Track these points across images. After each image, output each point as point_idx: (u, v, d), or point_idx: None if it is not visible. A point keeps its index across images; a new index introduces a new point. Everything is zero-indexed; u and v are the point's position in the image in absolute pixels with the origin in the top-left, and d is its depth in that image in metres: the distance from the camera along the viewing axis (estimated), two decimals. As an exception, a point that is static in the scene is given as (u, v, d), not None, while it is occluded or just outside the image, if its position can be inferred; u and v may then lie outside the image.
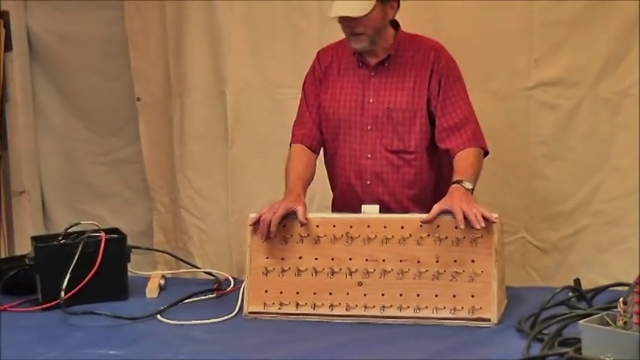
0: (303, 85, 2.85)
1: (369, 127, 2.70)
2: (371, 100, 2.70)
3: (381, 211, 2.48)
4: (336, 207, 2.83)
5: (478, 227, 2.26)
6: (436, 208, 2.34)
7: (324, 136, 2.79)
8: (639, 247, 3.28)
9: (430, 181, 2.74)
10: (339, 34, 2.75)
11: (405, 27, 2.75)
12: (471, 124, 2.66)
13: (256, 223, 2.43)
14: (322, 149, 2.83)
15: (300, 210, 2.43)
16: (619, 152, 3.34)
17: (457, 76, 2.71)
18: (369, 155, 2.71)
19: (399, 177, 2.71)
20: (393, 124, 2.68)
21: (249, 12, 3.73)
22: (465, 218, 2.27)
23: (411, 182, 2.72)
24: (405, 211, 2.63)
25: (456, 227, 2.29)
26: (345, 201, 2.76)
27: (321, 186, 2.92)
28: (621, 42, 3.27)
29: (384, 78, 2.70)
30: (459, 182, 2.45)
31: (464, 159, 2.59)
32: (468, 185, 2.44)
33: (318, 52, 2.85)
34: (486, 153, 2.70)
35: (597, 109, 3.34)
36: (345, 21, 2.61)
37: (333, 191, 2.87)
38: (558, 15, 3.31)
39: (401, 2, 2.70)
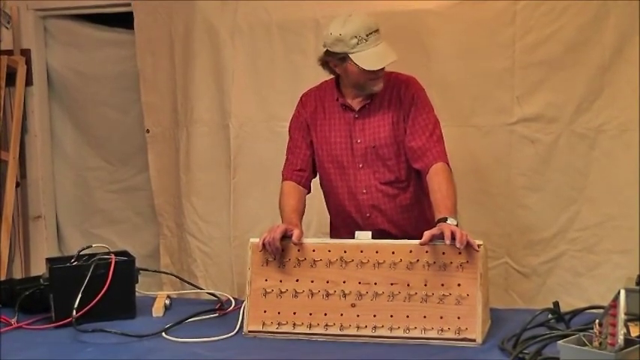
0: (289, 129, 2.80)
1: (360, 165, 2.68)
2: (358, 141, 2.67)
3: (381, 237, 2.45)
4: (336, 231, 2.81)
5: (459, 246, 2.25)
6: (428, 232, 2.31)
7: (320, 175, 2.77)
8: (612, 272, 3.29)
9: (428, 203, 2.66)
10: (333, 71, 2.75)
11: (401, 68, 2.73)
12: (439, 143, 2.62)
13: (263, 248, 2.42)
14: (320, 183, 2.80)
15: (296, 232, 2.42)
16: (594, 184, 3.35)
17: (424, 102, 2.66)
18: (364, 191, 2.69)
19: (396, 204, 2.70)
20: (381, 159, 2.67)
21: (252, 51, 3.75)
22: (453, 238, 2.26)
23: (409, 206, 2.71)
24: (406, 235, 2.58)
25: (443, 253, 2.28)
26: (346, 231, 2.72)
27: (317, 215, 2.91)
28: (595, 82, 3.29)
29: (366, 118, 2.67)
30: (444, 220, 2.40)
31: (437, 191, 2.53)
32: (453, 221, 2.39)
33: (301, 97, 2.81)
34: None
35: (574, 144, 3.36)
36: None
37: (331, 216, 2.84)
38: (538, 57, 3.34)
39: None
